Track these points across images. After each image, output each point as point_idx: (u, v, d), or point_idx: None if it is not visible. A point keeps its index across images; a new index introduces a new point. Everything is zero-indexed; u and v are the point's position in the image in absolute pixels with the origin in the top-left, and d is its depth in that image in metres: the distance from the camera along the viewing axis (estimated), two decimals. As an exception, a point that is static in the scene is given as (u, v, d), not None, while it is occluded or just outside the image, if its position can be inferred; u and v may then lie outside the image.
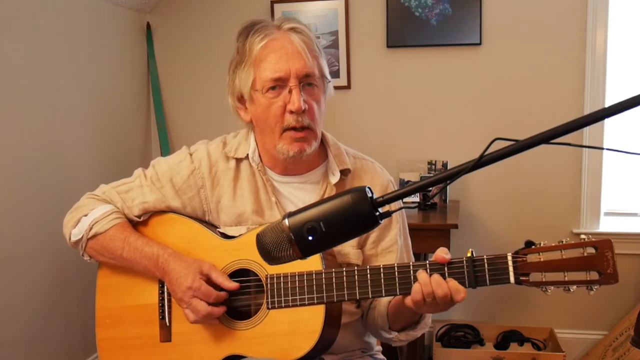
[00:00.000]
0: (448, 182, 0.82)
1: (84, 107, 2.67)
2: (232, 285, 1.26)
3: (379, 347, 1.52)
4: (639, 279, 2.80)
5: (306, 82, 1.26)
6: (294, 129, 1.25)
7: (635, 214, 2.92)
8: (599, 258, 0.97)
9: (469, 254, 1.06)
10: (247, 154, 1.37)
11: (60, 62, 2.50)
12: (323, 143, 1.40)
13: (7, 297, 2.21)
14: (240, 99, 1.34)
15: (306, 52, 1.25)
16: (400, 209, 1.19)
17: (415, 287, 1.07)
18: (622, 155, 1.17)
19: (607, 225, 2.87)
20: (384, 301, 1.30)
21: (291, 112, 1.24)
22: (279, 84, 1.25)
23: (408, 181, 2.85)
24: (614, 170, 2.86)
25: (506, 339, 2.82)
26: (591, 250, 0.98)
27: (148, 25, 3.17)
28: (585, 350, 2.87)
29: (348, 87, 2.99)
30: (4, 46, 2.18)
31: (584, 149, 2.72)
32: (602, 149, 1.35)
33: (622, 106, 0.73)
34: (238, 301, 1.29)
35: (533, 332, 2.84)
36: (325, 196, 1.35)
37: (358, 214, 0.82)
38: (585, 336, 2.90)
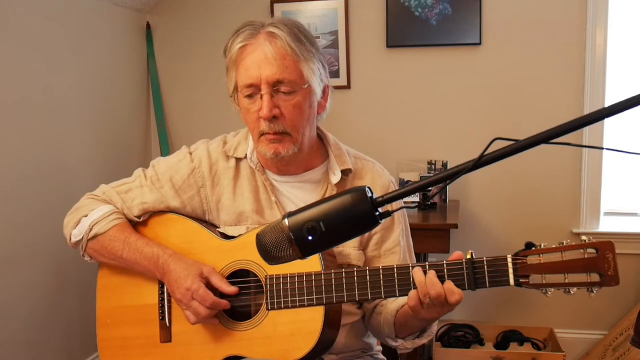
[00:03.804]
0: (448, 182, 0.82)
1: (84, 107, 2.67)
2: (231, 289, 1.26)
3: (379, 348, 1.52)
4: (639, 279, 2.80)
5: (279, 88, 1.24)
6: (268, 133, 1.26)
7: (635, 214, 2.92)
8: (600, 260, 0.96)
9: (468, 256, 1.06)
10: (246, 154, 1.37)
11: (60, 62, 2.50)
12: (324, 143, 1.40)
13: (7, 297, 2.21)
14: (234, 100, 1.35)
15: (277, 59, 1.22)
16: (401, 208, 1.19)
17: (411, 294, 1.07)
18: (622, 155, 1.17)
19: (607, 225, 2.86)
20: (390, 309, 1.29)
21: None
22: (252, 91, 1.25)
23: (408, 181, 2.85)
24: (614, 170, 2.86)
25: (506, 339, 2.82)
26: (592, 252, 0.97)
27: (148, 25, 3.17)
28: (586, 350, 2.87)
29: (348, 87, 2.99)
30: (3, 46, 2.18)
31: (583, 149, 2.72)
32: (602, 149, 1.34)
33: (622, 106, 0.73)
34: (238, 302, 1.29)
35: (533, 332, 2.84)
36: (326, 196, 1.35)
37: (358, 214, 0.82)
38: (585, 336, 2.89)
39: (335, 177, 1.35)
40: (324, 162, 1.39)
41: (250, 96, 1.26)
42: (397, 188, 1.42)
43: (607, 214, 2.90)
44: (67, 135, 2.55)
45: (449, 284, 1.04)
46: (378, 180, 1.39)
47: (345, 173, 1.36)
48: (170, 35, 3.17)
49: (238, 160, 1.39)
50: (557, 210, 2.86)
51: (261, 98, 1.24)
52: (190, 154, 1.41)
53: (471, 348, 2.79)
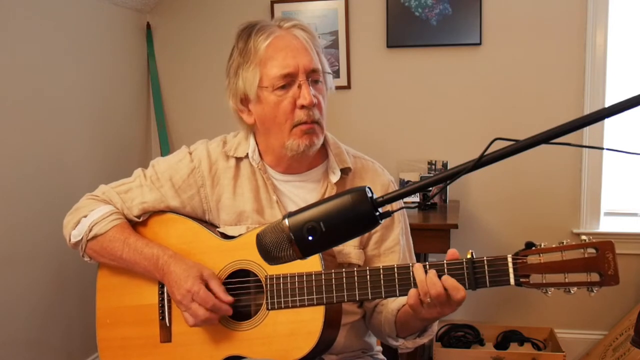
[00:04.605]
0: (448, 182, 0.82)
1: (84, 107, 2.67)
2: (227, 299, 1.25)
3: (379, 347, 1.52)
4: (639, 279, 2.80)
5: (313, 77, 1.27)
6: (304, 123, 1.26)
7: (635, 214, 2.92)
8: (600, 259, 0.96)
9: (468, 256, 1.06)
10: (247, 154, 1.37)
11: (60, 62, 2.50)
12: (323, 142, 1.40)
13: (7, 297, 2.21)
14: (243, 101, 1.33)
15: (311, 47, 1.28)
16: (401, 208, 1.19)
17: (411, 292, 1.07)
18: (622, 155, 1.17)
19: (607, 225, 2.87)
20: (391, 308, 1.29)
21: (302, 107, 1.25)
22: (288, 80, 1.25)
23: (408, 181, 2.85)
24: (614, 170, 2.86)
25: (506, 339, 2.82)
26: (592, 251, 0.97)
27: (148, 25, 3.17)
28: (586, 350, 2.87)
29: (348, 87, 2.99)
30: (3, 46, 2.18)
31: (583, 149, 2.72)
32: (602, 149, 1.35)
33: (622, 106, 0.72)
34: (238, 302, 1.29)
35: (533, 332, 2.84)
36: (326, 195, 1.35)
37: (358, 214, 0.82)
38: (585, 336, 2.89)
39: (335, 176, 1.35)
40: (324, 161, 1.39)
41: (283, 87, 1.26)
42: (397, 187, 1.43)
43: (607, 214, 2.90)
44: (67, 135, 2.55)
45: (451, 281, 1.04)
46: (378, 180, 1.39)
47: (345, 172, 1.36)
48: (170, 35, 3.17)
49: (238, 159, 1.38)
50: (557, 210, 2.86)
51: (298, 87, 1.25)
52: (190, 153, 1.41)
53: (471, 348, 2.79)
